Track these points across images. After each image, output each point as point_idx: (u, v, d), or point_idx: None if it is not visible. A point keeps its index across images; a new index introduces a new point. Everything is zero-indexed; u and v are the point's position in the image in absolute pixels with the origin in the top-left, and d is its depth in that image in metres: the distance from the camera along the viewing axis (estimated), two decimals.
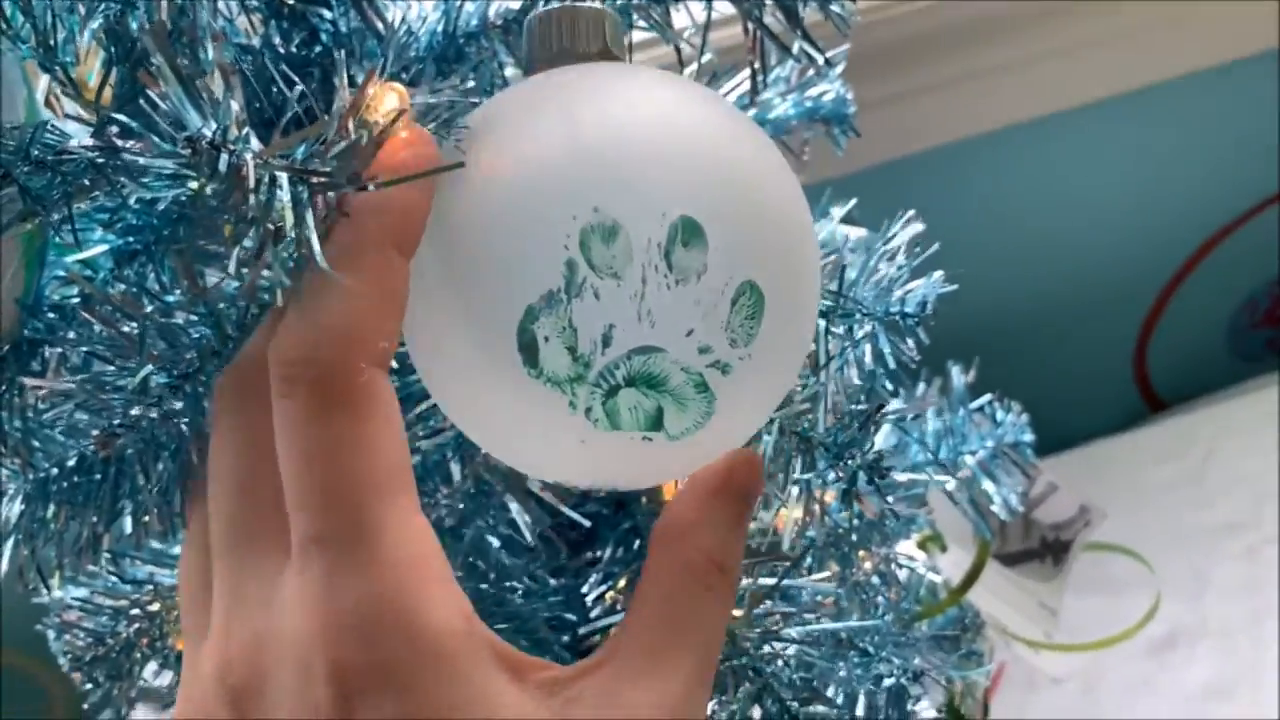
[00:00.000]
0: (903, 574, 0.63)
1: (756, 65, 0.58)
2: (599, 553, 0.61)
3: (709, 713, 0.53)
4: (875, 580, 0.62)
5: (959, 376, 0.75)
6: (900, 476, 0.62)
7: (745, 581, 0.56)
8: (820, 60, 0.58)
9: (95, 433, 0.48)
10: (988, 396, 0.76)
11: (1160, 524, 1.23)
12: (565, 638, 0.65)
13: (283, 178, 0.40)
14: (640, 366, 0.43)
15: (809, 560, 0.62)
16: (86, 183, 0.46)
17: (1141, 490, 1.24)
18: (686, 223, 0.42)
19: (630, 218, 0.42)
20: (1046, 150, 1.32)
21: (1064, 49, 1.21)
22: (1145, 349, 1.58)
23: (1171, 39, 1.25)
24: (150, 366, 0.47)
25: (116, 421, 0.48)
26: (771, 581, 0.55)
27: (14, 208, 0.46)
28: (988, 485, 0.74)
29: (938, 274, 0.54)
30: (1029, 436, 0.75)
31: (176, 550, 0.62)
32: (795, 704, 0.52)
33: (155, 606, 0.60)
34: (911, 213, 0.55)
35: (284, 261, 0.40)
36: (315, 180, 0.41)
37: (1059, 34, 1.20)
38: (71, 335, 0.56)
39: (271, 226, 0.40)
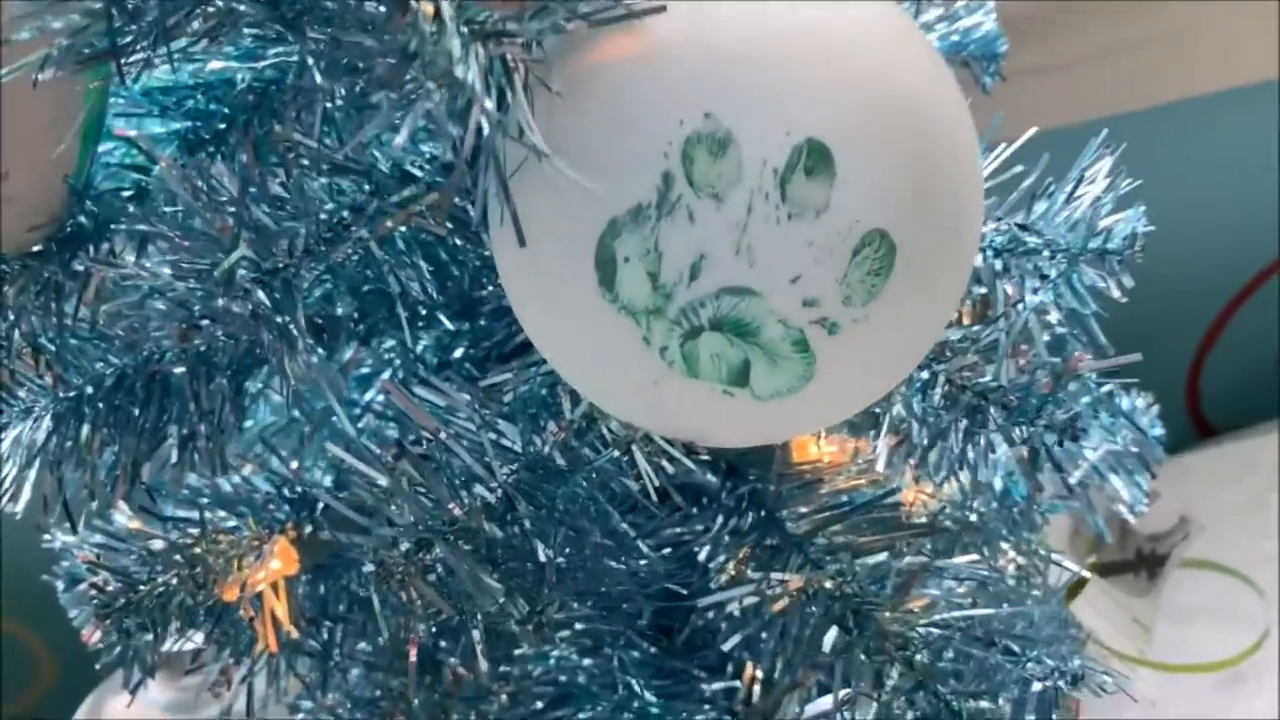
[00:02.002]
0: (1049, 570, 0.57)
1: None
2: (707, 525, 0.54)
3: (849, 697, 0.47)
4: (1015, 573, 0.56)
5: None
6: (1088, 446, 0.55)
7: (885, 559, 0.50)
8: None
9: (173, 325, 0.41)
10: (1111, 384, 0.69)
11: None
12: (654, 617, 0.58)
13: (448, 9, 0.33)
14: (729, 309, 0.37)
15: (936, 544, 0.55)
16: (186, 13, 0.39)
17: (1201, 514, 1.19)
18: (814, 147, 0.36)
19: (747, 131, 0.36)
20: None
21: (1113, 48, 1.16)
22: (1199, 373, 1.54)
23: (1238, 46, 1.20)
24: (241, 251, 0.40)
25: (198, 309, 0.40)
26: (921, 560, 0.48)
27: (100, 33, 0.39)
28: (1116, 481, 0.67)
29: (1140, 206, 0.48)
30: (1160, 430, 0.69)
31: (225, 485, 0.55)
32: (953, 699, 0.45)
33: (198, 550, 0.52)
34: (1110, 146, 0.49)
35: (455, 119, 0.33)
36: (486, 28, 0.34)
37: (1123, 29, 1.15)
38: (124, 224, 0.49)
39: (433, 83, 0.34)
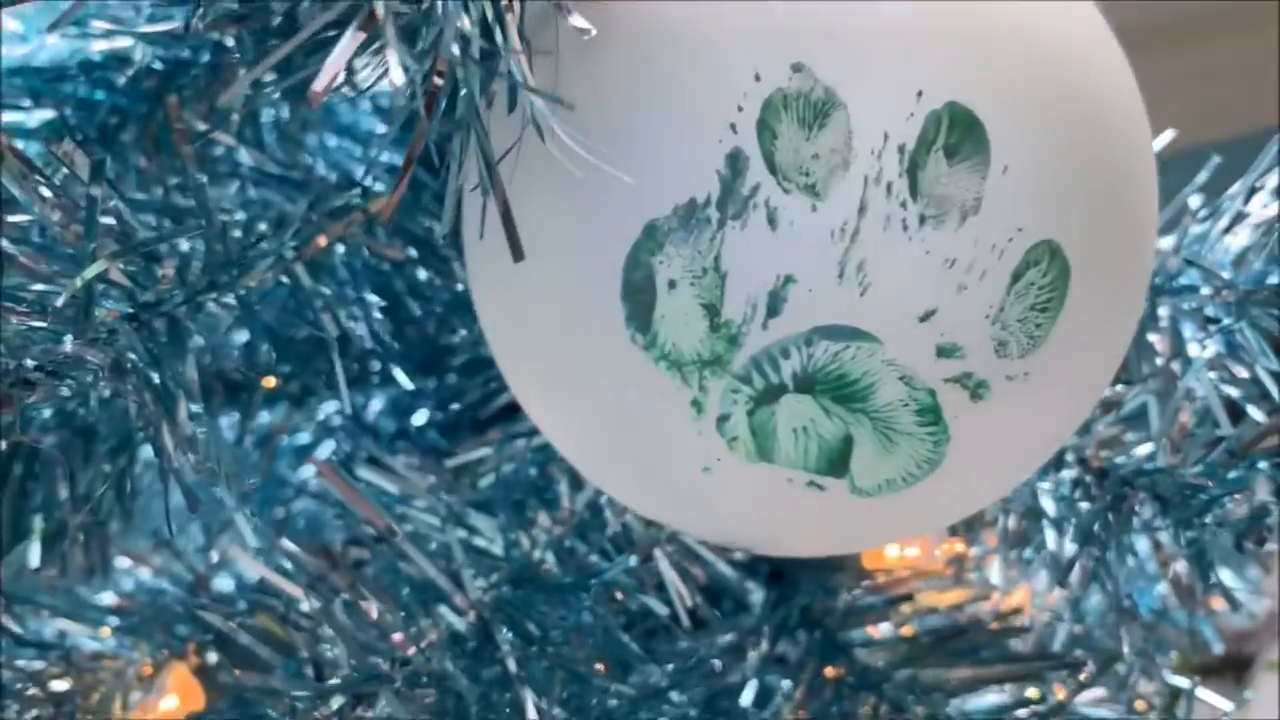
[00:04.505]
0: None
1: None
2: (746, 642, 0.41)
3: None
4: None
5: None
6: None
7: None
8: None
9: None
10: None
11: None
12: None
13: None
14: (828, 361, 0.26)
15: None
16: None
17: None
18: (957, 115, 0.25)
19: (857, 90, 0.25)
20: None
21: None
22: None
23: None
24: (99, 266, 0.27)
25: (32, 364, 0.28)
26: (1052, 706, 0.36)
27: None
28: (1224, 574, 0.55)
29: None
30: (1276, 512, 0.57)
31: (104, 598, 0.42)
32: None
33: (64, 685, 0.39)
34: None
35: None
36: None
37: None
38: None
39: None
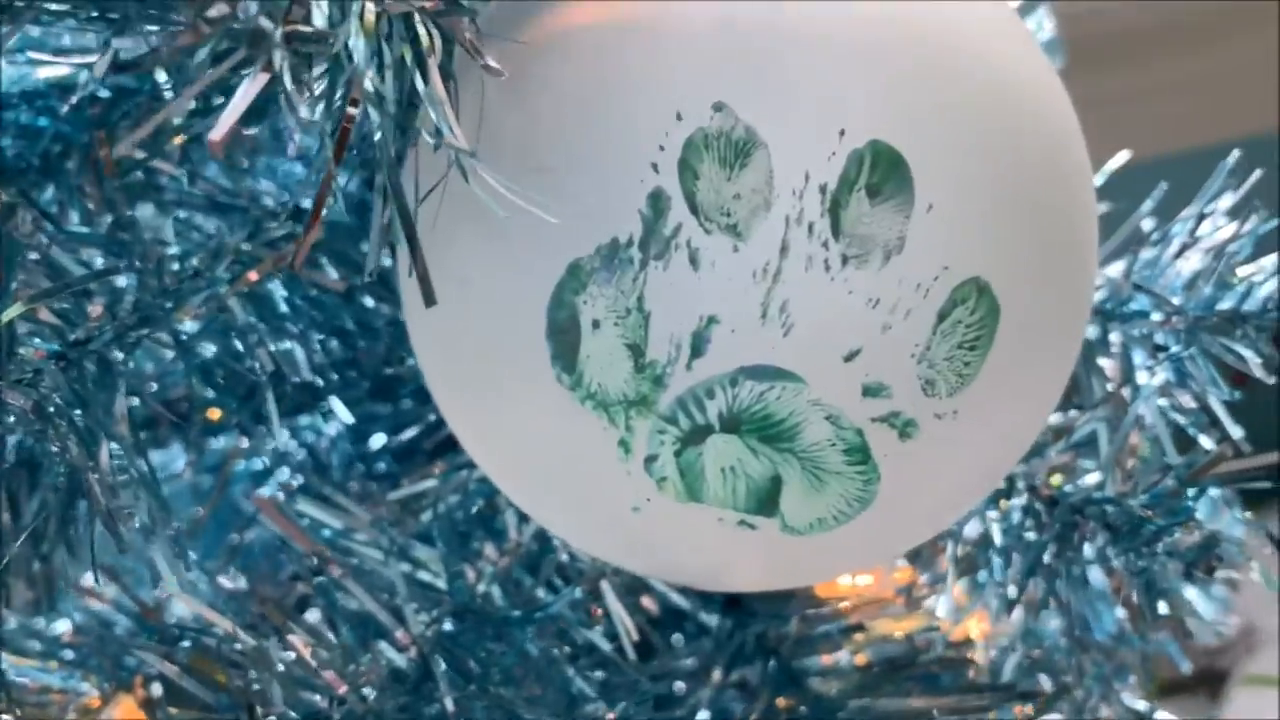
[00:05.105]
0: None
1: None
2: (698, 673, 0.41)
3: None
4: None
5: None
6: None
7: None
8: None
9: None
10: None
11: None
12: None
13: None
14: (752, 401, 0.26)
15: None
16: None
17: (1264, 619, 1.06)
18: (881, 154, 0.25)
19: (779, 129, 0.25)
20: None
21: None
22: None
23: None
24: (16, 309, 0.27)
25: None
26: None
27: None
28: (1190, 594, 0.55)
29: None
30: (1242, 532, 0.57)
31: (59, 627, 0.42)
32: None
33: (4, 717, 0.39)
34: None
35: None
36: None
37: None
38: None
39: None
